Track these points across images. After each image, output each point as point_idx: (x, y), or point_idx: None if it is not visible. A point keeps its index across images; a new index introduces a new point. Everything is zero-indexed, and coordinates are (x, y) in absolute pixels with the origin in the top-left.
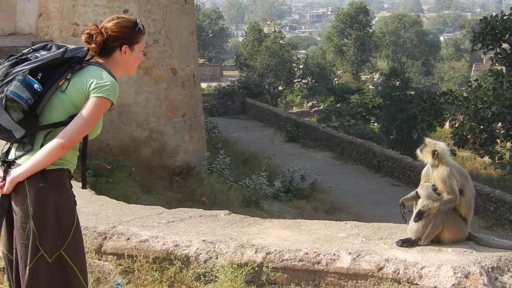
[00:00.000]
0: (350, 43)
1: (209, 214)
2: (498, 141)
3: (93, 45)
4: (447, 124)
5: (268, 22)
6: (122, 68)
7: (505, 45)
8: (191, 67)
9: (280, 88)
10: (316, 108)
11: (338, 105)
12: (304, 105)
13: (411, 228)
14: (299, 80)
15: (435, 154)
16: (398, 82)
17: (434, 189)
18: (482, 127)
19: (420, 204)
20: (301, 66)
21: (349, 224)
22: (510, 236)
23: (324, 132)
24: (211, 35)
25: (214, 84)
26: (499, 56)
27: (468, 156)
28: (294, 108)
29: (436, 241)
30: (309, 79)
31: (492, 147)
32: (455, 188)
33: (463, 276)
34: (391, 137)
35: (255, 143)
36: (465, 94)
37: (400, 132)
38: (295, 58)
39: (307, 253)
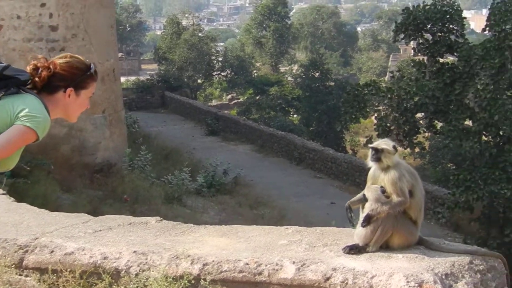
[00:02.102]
0: (269, 35)
1: (139, 221)
2: (421, 131)
3: (37, 79)
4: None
5: (186, 15)
6: (62, 111)
7: (427, 35)
8: (110, 61)
9: (199, 81)
10: (236, 101)
11: (258, 97)
12: (224, 98)
13: (358, 234)
14: (218, 73)
15: (383, 154)
16: (317, 74)
17: (383, 191)
18: (405, 118)
19: (368, 208)
20: (220, 59)
21: (290, 229)
22: (432, 226)
23: (244, 125)
24: (128, 29)
25: (132, 78)
26: (422, 46)
27: None
28: (213, 101)
29: (385, 247)
30: (228, 72)
31: (415, 138)
32: (405, 190)
33: (416, 285)
34: (311, 128)
35: (176, 137)
36: (387, 85)
37: (320, 124)
38: (214, 51)
39: (247, 264)
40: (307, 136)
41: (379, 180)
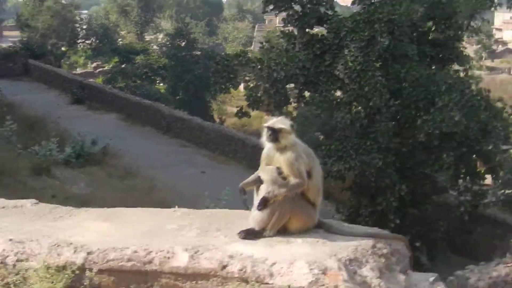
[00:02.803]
0: (134, 4)
1: (13, 204)
2: (292, 102)
3: None
4: (241, 86)
5: None
6: None
7: (296, 7)
8: None
9: (63, 49)
10: (101, 69)
11: (123, 66)
12: (89, 66)
13: (254, 217)
14: (83, 41)
15: (280, 134)
16: (183, 43)
17: (279, 172)
18: (275, 89)
19: (264, 190)
20: (84, 27)
21: (179, 211)
22: None
23: (110, 93)
24: None
25: None
26: (291, 18)
27: (256, 114)
28: (78, 69)
29: (283, 231)
30: (93, 40)
31: (286, 109)
32: (303, 171)
33: (320, 272)
34: (178, 97)
35: (41, 106)
36: (257, 56)
37: (187, 93)
38: (78, 19)
39: (136, 251)
40: (174, 105)
41: (274, 161)
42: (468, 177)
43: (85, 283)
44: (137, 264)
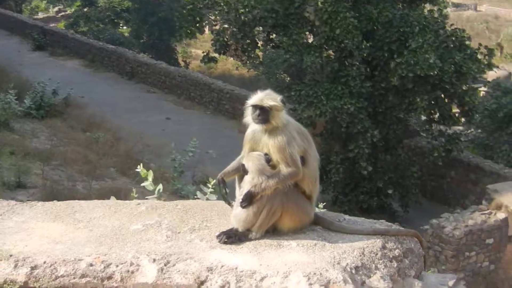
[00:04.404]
0: None
1: None
2: (259, 44)
3: None
4: (206, 29)
5: None
6: None
7: None
8: None
9: None
10: (63, 13)
11: (86, 9)
12: (51, 10)
13: (237, 216)
14: None
15: (271, 113)
16: None
17: (268, 159)
18: (243, 32)
19: (249, 183)
20: None
21: (143, 205)
22: None
23: (73, 39)
24: None
25: None
26: None
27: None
28: (40, 14)
29: (272, 230)
30: None
31: (254, 53)
32: (297, 157)
33: (321, 286)
34: (142, 41)
35: (1, 53)
36: None
37: (151, 36)
38: None
39: (91, 264)
40: (138, 49)
41: (261, 145)
42: (442, 121)
43: None
44: (94, 281)
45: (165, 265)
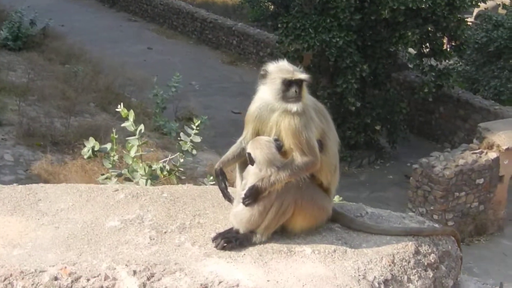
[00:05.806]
0: None
1: None
2: None
3: None
4: None
5: None
6: None
7: None
8: None
9: None
10: None
11: None
12: None
13: (239, 216)
14: None
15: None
16: None
17: (279, 146)
18: None
19: (255, 175)
20: None
21: (122, 192)
22: (255, 71)
23: None
24: None
25: None
26: None
27: None
28: None
29: (280, 230)
30: None
31: None
32: (315, 143)
33: None
34: None
35: None
36: None
37: None
38: None
39: (56, 278)
40: None
41: (269, 125)
42: (433, 56)
43: None
44: None
45: (148, 279)
